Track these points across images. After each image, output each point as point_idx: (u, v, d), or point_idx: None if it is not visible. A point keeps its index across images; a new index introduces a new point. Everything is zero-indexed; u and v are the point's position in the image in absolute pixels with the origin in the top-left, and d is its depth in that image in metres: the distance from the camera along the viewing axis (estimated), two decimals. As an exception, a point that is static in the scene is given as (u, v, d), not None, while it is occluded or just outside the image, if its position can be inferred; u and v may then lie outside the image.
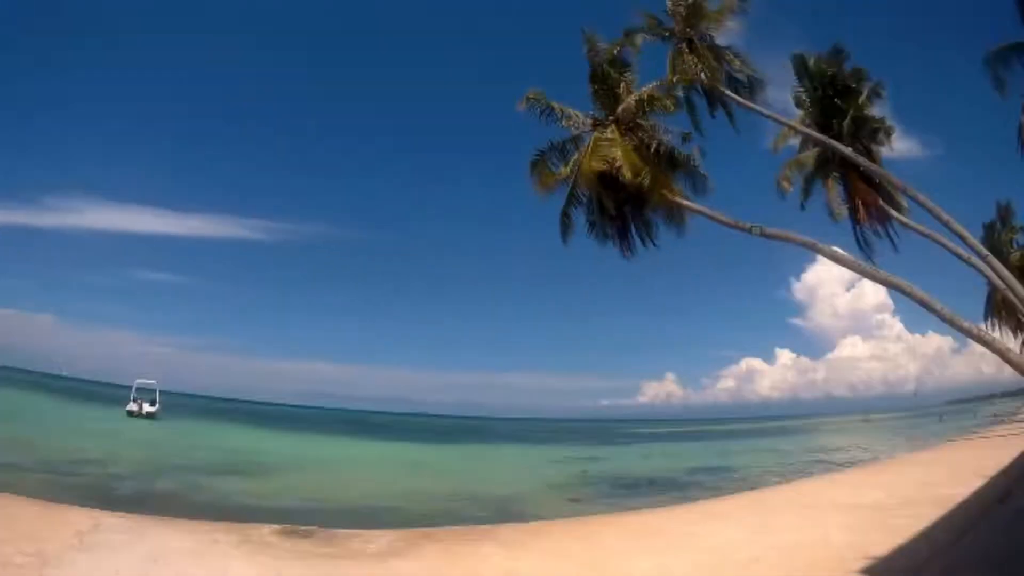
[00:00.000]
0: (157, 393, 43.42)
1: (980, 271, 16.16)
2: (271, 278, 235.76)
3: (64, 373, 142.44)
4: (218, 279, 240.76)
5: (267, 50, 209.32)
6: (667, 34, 18.11)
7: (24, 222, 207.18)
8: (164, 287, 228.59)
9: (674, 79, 16.70)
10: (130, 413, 39.23)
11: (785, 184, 20.06)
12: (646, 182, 15.20)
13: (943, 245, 17.12)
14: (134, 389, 42.81)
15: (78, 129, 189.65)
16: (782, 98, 21.14)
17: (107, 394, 63.74)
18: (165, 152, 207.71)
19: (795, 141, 21.13)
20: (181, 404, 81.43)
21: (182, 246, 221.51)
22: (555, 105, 16.08)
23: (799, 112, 20.17)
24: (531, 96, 16.04)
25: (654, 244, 16.90)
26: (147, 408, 39.64)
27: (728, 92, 18.30)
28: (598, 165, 15.01)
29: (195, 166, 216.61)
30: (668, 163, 16.62)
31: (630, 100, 15.69)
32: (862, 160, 17.43)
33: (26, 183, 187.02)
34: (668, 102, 15.90)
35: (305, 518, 11.50)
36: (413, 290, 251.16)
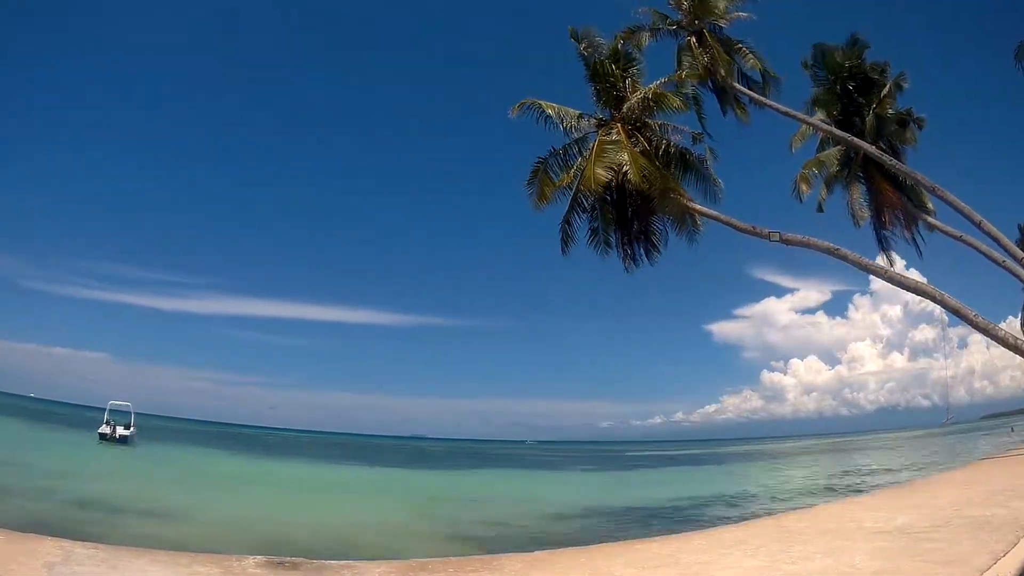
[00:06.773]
0: (132, 416, 43.31)
1: (1016, 275, 16.08)
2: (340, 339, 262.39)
3: (31, 395, 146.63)
4: (291, 335, 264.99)
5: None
6: (674, 27, 18.10)
7: (142, 303, 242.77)
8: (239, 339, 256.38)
9: (683, 75, 16.54)
10: (102, 436, 39.13)
11: (804, 186, 19.99)
12: (655, 187, 15.07)
13: (976, 248, 17.05)
14: (107, 411, 42.59)
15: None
16: (799, 94, 21.12)
17: (89, 418, 63.66)
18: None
19: (814, 140, 21.10)
20: (182, 430, 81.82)
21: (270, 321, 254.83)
22: (552, 107, 15.65)
23: (818, 109, 20.13)
24: (525, 102, 15.54)
25: (657, 254, 16.69)
26: (120, 431, 39.60)
27: (741, 88, 18.28)
28: (603, 173, 14.72)
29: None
30: (679, 165, 16.45)
31: (635, 99, 15.52)
32: (887, 159, 17.23)
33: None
34: (676, 100, 15.46)
35: (291, 548, 11.42)
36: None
